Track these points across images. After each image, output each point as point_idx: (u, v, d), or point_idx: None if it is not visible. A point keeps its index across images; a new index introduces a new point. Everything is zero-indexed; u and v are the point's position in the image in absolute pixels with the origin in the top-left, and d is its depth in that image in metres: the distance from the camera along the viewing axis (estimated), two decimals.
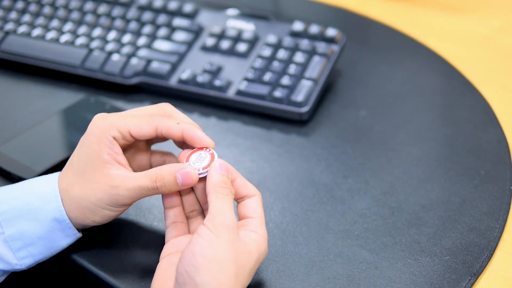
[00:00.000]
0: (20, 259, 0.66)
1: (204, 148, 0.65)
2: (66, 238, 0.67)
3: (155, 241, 0.70)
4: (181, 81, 0.89)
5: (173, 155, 0.70)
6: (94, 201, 0.64)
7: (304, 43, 0.91)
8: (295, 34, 0.93)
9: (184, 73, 0.89)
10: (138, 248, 0.70)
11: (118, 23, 0.98)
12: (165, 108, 0.67)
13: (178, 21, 0.97)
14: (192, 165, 0.64)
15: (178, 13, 0.98)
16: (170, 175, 0.63)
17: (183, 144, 0.68)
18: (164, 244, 0.65)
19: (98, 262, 0.68)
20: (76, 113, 0.86)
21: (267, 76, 0.87)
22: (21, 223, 0.65)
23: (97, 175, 0.64)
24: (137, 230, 0.72)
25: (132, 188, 0.63)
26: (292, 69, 0.87)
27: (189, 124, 0.66)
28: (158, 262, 0.66)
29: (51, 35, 0.97)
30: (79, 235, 0.67)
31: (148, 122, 0.65)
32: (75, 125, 0.85)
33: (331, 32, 0.91)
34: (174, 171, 0.63)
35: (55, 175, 0.67)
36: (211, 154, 0.64)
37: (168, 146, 0.70)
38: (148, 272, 0.67)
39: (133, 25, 0.97)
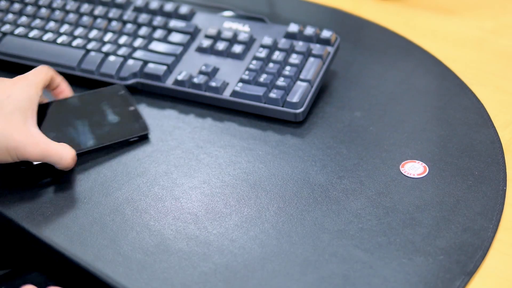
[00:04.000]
0: None
1: None
2: None
3: (152, 240, 0.71)
4: (177, 82, 0.90)
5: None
6: (10, 147, 0.73)
7: (299, 44, 0.91)
8: (290, 36, 0.93)
9: (180, 74, 0.90)
10: (135, 248, 0.70)
11: (115, 24, 0.98)
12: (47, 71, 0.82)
13: (174, 23, 0.97)
14: None
15: (174, 15, 0.99)
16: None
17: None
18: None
19: (95, 261, 0.69)
20: (96, 100, 0.87)
21: (263, 78, 0.88)
22: None
23: (24, 127, 0.74)
24: (134, 230, 0.72)
25: (50, 154, 0.74)
26: (287, 70, 0.88)
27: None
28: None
29: (48, 36, 0.97)
30: None
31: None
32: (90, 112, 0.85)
33: (325, 33, 0.92)
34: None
35: None
36: None
37: None
38: (146, 270, 0.67)
39: (129, 27, 0.97)
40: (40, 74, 0.80)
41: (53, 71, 0.82)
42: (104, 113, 0.85)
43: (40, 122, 0.80)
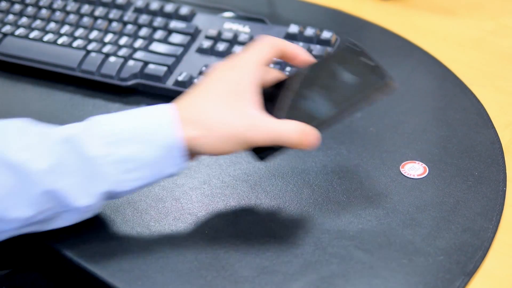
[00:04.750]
0: (128, 181, 0.66)
1: None
2: (173, 167, 0.67)
3: (152, 241, 0.71)
4: (177, 83, 0.90)
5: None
6: (231, 135, 0.66)
7: (300, 45, 0.91)
8: (290, 37, 0.93)
9: (180, 75, 0.90)
10: (135, 248, 0.70)
11: (115, 25, 0.98)
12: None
13: (174, 24, 0.97)
14: None
15: (175, 15, 0.99)
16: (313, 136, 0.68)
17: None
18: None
19: (96, 262, 0.69)
20: (329, 65, 0.73)
21: None
22: (133, 146, 0.65)
23: (243, 111, 0.67)
24: (134, 230, 0.72)
25: (274, 135, 0.67)
26: (288, 71, 0.88)
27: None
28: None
29: (48, 37, 0.97)
30: (185, 165, 0.68)
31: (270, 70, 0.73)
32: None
33: (326, 34, 0.92)
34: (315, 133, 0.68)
35: (171, 104, 0.68)
36: None
37: None
38: (146, 272, 0.67)
39: (129, 28, 0.98)
40: (259, 49, 0.71)
41: (278, 40, 0.72)
42: (340, 76, 0.71)
43: (270, 102, 0.70)
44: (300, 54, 0.73)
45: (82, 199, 0.66)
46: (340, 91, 0.70)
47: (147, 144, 0.66)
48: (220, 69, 0.70)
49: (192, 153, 0.68)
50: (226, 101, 0.67)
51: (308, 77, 0.72)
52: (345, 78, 0.71)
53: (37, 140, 0.65)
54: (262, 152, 0.69)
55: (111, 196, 0.68)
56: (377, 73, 0.70)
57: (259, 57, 0.70)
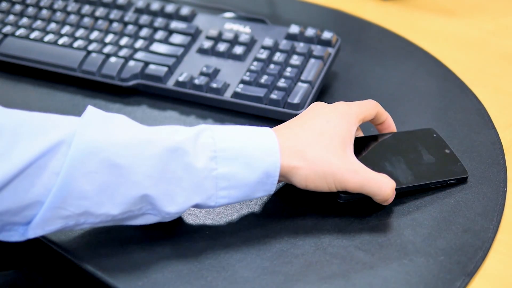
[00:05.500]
0: (218, 198, 0.67)
1: None
2: (262, 191, 0.69)
3: (152, 241, 0.71)
4: (178, 84, 0.90)
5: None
6: (330, 173, 0.68)
7: (300, 46, 0.91)
8: (291, 37, 0.93)
9: (181, 76, 0.90)
10: (136, 248, 0.70)
11: (116, 25, 0.98)
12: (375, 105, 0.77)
13: (175, 24, 0.97)
14: None
15: (175, 16, 0.99)
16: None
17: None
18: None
19: (96, 262, 0.69)
20: (410, 139, 0.80)
21: (264, 79, 0.88)
22: (236, 165, 0.66)
23: (344, 155, 0.70)
24: (135, 231, 0.72)
25: (370, 183, 0.69)
26: (288, 71, 0.88)
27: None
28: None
29: (49, 37, 0.97)
30: (273, 191, 0.69)
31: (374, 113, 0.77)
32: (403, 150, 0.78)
33: (326, 35, 0.92)
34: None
35: (271, 129, 0.70)
36: None
37: None
38: (146, 272, 0.67)
39: (130, 28, 0.98)
40: (365, 107, 0.75)
41: (380, 107, 0.77)
42: (419, 152, 0.77)
43: (355, 154, 0.72)
44: (388, 120, 0.78)
45: (173, 206, 0.66)
46: (421, 168, 0.75)
47: (249, 167, 0.67)
48: (326, 111, 0.73)
49: (281, 180, 0.70)
50: (329, 142, 0.70)
51: (391, 143, 0.78)
52: (426, 158, 0.77)
53: (141, 143, 0.64)
54: (346, 194, 0.71)
55: (195, 207, 0.68)
56: (455, 164, 0.77)
57: (363, 113, 0.74)
